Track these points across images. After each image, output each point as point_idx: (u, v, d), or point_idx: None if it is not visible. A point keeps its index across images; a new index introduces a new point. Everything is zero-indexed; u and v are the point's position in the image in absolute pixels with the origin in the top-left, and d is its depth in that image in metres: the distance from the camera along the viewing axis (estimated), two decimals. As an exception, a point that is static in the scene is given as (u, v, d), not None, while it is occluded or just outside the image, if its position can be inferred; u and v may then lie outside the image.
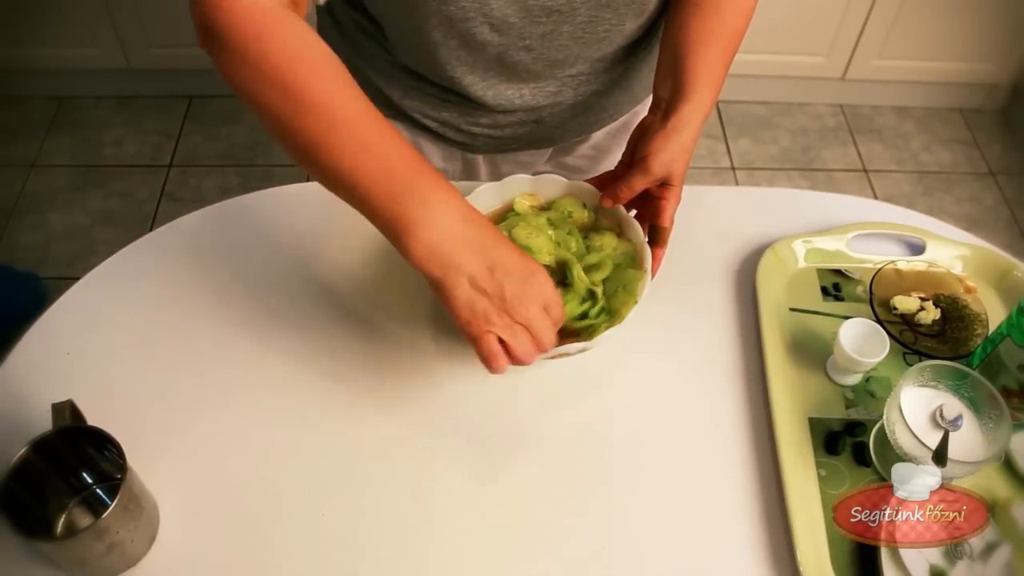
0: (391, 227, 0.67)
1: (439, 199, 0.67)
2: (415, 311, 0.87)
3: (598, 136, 1.07)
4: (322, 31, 0.97)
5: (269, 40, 0.66)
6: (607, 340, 0.78)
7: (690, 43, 0.82)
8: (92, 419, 0.72)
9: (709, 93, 0.81)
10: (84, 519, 0.73)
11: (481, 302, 0.67)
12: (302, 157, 0.68)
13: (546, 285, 0.70)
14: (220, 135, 2.30)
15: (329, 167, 0.67)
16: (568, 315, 0.79)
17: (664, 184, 0.81)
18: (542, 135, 0.98)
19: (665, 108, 0.81)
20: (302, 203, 0.96)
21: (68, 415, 0.70)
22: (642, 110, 1.03)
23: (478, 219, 0.69)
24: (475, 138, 0.96)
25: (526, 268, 0.69)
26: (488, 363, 0.68)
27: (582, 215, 0.87)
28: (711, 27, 0.82)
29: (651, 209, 0.83)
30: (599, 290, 0.81)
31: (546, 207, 0.88)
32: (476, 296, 0.67)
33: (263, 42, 0.66)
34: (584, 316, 0.80)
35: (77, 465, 0.73)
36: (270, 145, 2.28)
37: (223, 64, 0.67)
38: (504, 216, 0.87)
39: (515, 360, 0.69)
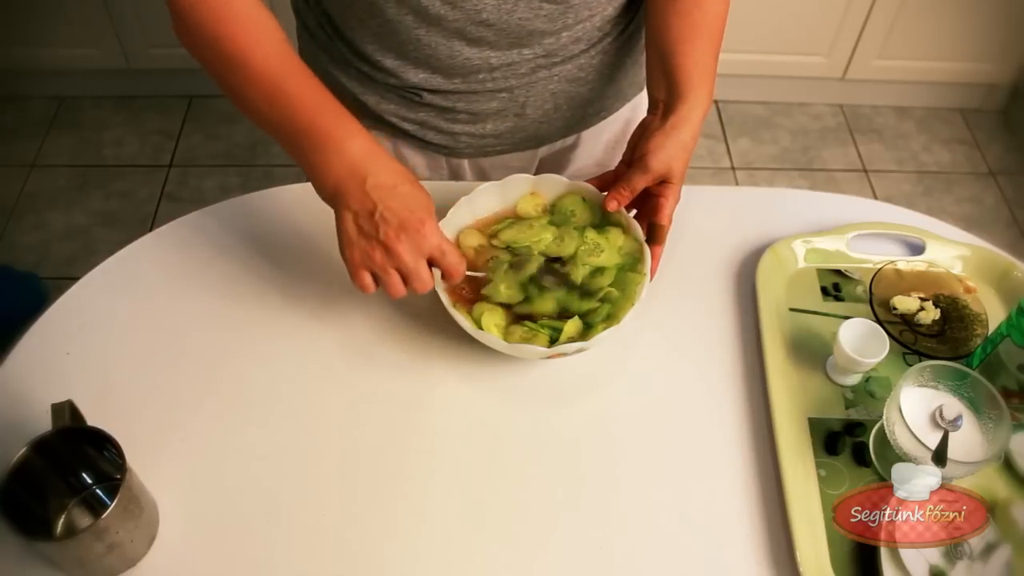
0: (304, 169, 0.77)
1: (334, 142, 0.75)
2: (415, 312, 0.87)
3: (597, 150, 1.05)
4: (300, 43, 0.98)
5: (203, 8, 0.76)
6: (605, 341, 0.78)
7: (676, 42, 0.82)
8: (92, 419, 0.72)
9: (704, 89, 0.81)
10: (84, 519, 0.73)
11: (361, 242, 0.74)
12: (236, 105, 0.79)
13: (429, 236, 0.74)
14: (220, 135, 2.30)
15: (252, 116, 0.78)
16: (574, 308, 0.81)
17: (663, 182, 0.82)
18: (526, 132, 0.97)
19: (663, 108, 0.82)
20: (302, 203, 0.96)
21: (68, 415, 0.70)
22: (634, 116, 1.03)
23: (374, 159, 0.75)
24: (457, 139, 0.95)
25: (410, 218, 0.74)
26: (360, 289, 0.75)
27: (584, 214, 0.87)
28: (694, 21, 0.83)
29: (650, 207, 0.83)
30: (616, 292, 0.81)
31: (548, 209, 0.88)
32: (357, 234, 0.74)
33: (197, 11, 0.76)
34: (587, 319, 0.81)
35: (77, 465, 0.73)
36: (270, 145, 2.28)
37: (178, 34, 0.78)
38: (505, 219, 0.87)
39: (389, 293, 0.75)
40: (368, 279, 0.75)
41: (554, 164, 1.07)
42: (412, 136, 0.96)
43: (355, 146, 0.75)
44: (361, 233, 0.74)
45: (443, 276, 0.77)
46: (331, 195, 0.75)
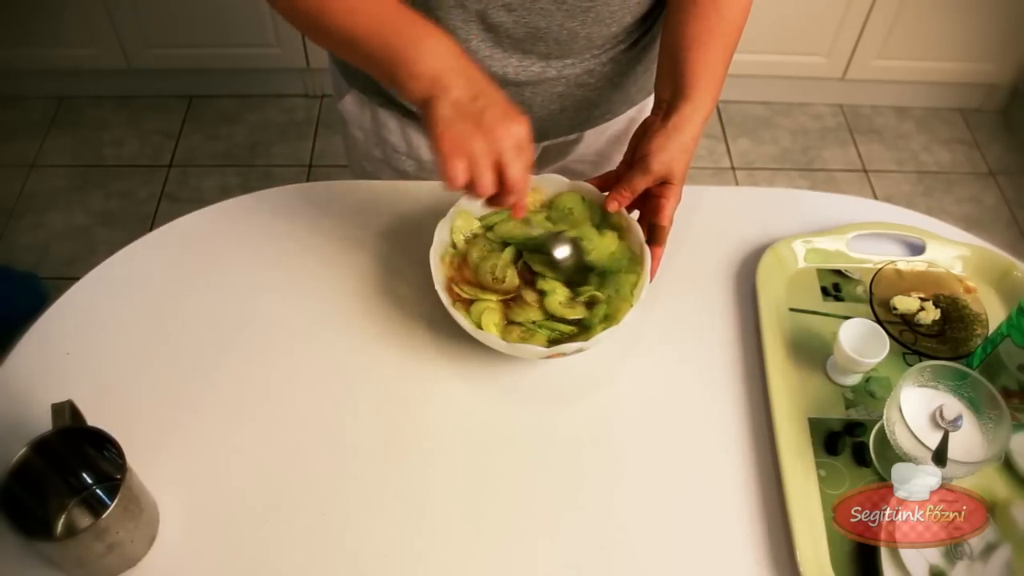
0: (387, 67, 0.72)
1: (431, 39, 0.72)
2: (415, 311, 0.87)
3: (600, 142, 1.06)
4: None
5: None
6: (605, 341, 0.78)
7: (689, 43, 0.82)
8: (92, 419, 0.72)
9: (710, 92, 0.81)
10: (84, 519, 0.73)
11: (458, 121, 0.69)
12: (309, 27, 0.77)
13: (524, 129, 0.71)
14: (220, 135, 2.30)
15: (330, 29, 0.75)
16: (565, 315, 0.81)
17: (664, 183, 0.82)
18: (531, 127, 0.97)
19: (666, 108, 0.82)
20: (302, 203, 0.96)
21: (68, 415, 0.70)
22: (639, 115, 1.03)
23: (469, 61, 0.73)
24: None
25: (509, 108, 0.72)
26: (446, 178, 0.69)
27: (582, 212, 0.87)
28: (709, 25, 0.82)
29: (651, 208, 0.84)
30: (602, 296, 0.81)
31: (547, 205, 0.88)
32: (456, 116, 0.69)
33: None
34: (580, 322, 0.81)
35: (77, 465, 0.73)
36: (270, 145, 2.28)
37: None
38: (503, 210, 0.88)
39: (474, 190, 0.70)
40: (460, 167, 0.68)
41: (556, 153, 1.07)
42: (420, 118, 0.96)
43: (448, 43, 0.72)
44: (460, 114, 0.69)
45: (506, 187, 0.72)
46: (429, 82, 0.70)
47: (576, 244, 0.83)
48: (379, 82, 0.94)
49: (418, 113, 0.72)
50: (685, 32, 0.83)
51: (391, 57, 0.72)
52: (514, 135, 0.70)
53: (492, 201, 0.73)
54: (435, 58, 0.71)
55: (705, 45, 0.82)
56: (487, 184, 0.70)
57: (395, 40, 0.72)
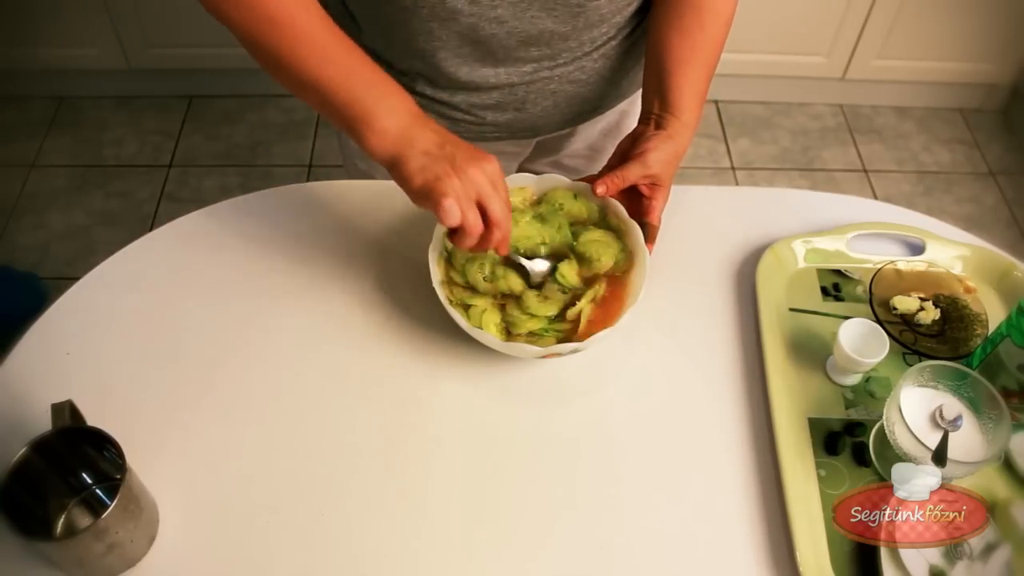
0: (352, 122, 0.74)
1: (395, 95, 0.75)
2: (414, 311, 0.87)
3: (592, 136, 1.07)
4: None
5: None
6: (603, 341, 0.78)
7: (675, 62, 0.85)
8: (92, 419, 0.72)
9: (694, 112, 0.85)
10: (84, 519, 0.73)
11: (432, 166, 0.72)
12: (273, 68, 0.76)
13: (495, 166, 0.74)
14: (220, 135, 2.30)
15: (296, 76, 0.75)
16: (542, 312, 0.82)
17: (653, 184, 0.84)
18: (525, 124, 0.98)
19: (656, 121, 0.85)
20: (302, 203, 0.96)
21: (67, 415, 0.70)
22: (630, 108, 1.04)
23: (427, 116, 0.76)
24: (456, 124, 0.96)
25: (475, 150, 0.74)
26: (441, 214, 0.71)
27: (573, 207, 0.87)
28: (694, 43, 0.85)
29: (639, 208, 0.85)
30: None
31: (538, 202, 0.88)
32: (428, 162, 0.72)
33: None
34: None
35: (77, 465, 0.73)
36: (270, 145, 2.28)
37: None
38: None
39: (464, 229, 0.72)
40: (453, 205, 0.70)
41: (549, 147, 1.08)
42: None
43: (410, 101, 0.76)
44: (433, 160, 0.72)
45: (489, 222, 0.74)
46: (395, 137, 0.73)
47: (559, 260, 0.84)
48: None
49: (385, 169, 0.75)
50: (671, 50, 0.86)
51: (358, 110, 0.74)
52: (488, 173, 0.73)
53: (476, 245, 0.74)
54: (399, 115, 0.74)
55: (690, 63, 0.85)
56: (475, 221, 0.72)
57: (363, 93, 0.74)
